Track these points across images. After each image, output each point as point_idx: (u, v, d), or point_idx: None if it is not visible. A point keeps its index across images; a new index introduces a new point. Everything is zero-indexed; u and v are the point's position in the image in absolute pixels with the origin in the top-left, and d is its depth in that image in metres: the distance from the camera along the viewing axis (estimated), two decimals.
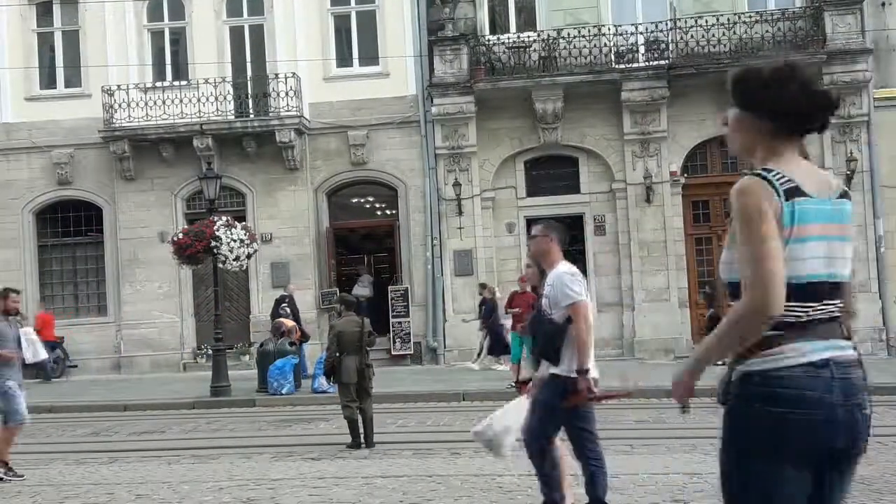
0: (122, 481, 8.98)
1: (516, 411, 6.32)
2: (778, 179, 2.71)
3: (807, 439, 2.67)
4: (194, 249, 16.16)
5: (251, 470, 9.29)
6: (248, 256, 16.99)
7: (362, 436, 10.55)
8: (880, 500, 7.20)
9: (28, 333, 9.87)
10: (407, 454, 10.01)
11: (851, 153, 19.79)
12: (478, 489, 7.90)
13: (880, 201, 19.89)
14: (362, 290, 21.27)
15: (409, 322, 20.68)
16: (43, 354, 10.44)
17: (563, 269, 6.06)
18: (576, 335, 5.87)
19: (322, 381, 15.89)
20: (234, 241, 16.24)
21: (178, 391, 17.31)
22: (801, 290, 2.68)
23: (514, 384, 15.78)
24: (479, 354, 19.12)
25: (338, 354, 10.71)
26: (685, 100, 20.16)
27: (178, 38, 22.11)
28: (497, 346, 18.15)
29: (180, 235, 16.74)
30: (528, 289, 16.86)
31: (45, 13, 22.36)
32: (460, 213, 20.59)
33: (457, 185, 20.51)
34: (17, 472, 9.26)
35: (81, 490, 8.58)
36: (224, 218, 16.65)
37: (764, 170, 2.76)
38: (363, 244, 24.50)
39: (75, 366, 21.03)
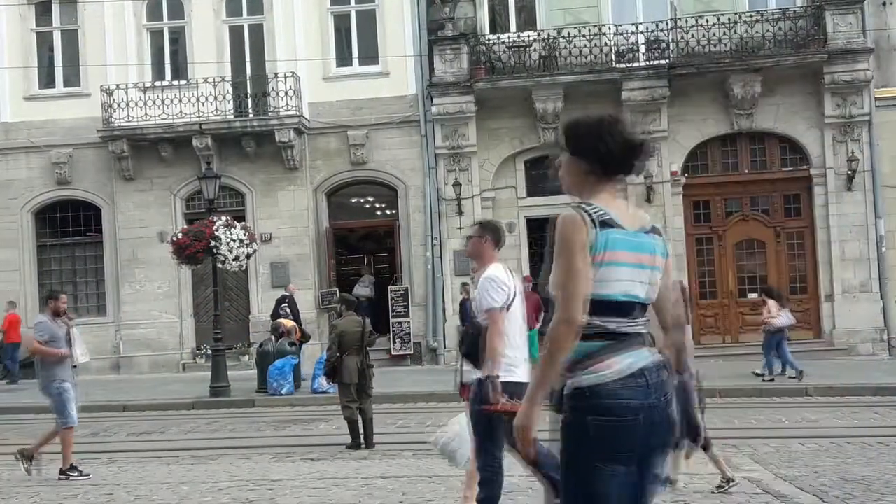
0: (121, 482, 8.96)
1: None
2: (595, 212, 3.21)
3: (632, 440, 3.09)
4: (194, 249, 16.14)
5: (251, 470, 9.27)
6: (248, 256, 16.96)
7: (362, 436, 10.52)
8: (881, 500, 7.17)
9: (76, 334, 9.92)
10: (407, 455, 9.99)
11: (852, 153, 19.77)
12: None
13: (881, 201, 19.87)
14: (363, 289, 21.25)
15: (409, 322, 20.65)
16: (87, 357, 10.55)
17: (489, 273, 5.97)
18: (487, 341, 5.78)
19: (322, 382, 15.86)
20: (234, 241, 16.22)
21: (178, 391, 17.28)
22: (613, 307, 3.16)
23: None
24: None
25: (339, 355, 10.69)
26: (686, 99, 20.14)
27: (178, 38, 22.08)
28: None
29: (180, 235, 16.71)
30: (531, 289, 16.91)
31: (44, 13, 22.33)
32: (460, 213, 20.56)
33: (457, 184, 20.49)
34: (82, 472, 9.21)
35: (81, 490, 8.56)
36: (223, 218, 16.63)
37: (585, 204, 3.28)
38: (363, 244, 24.46)
39: (75, 366, 20.91)
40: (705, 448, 7.13)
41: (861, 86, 19.65)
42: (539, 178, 21.03)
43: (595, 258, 3.14)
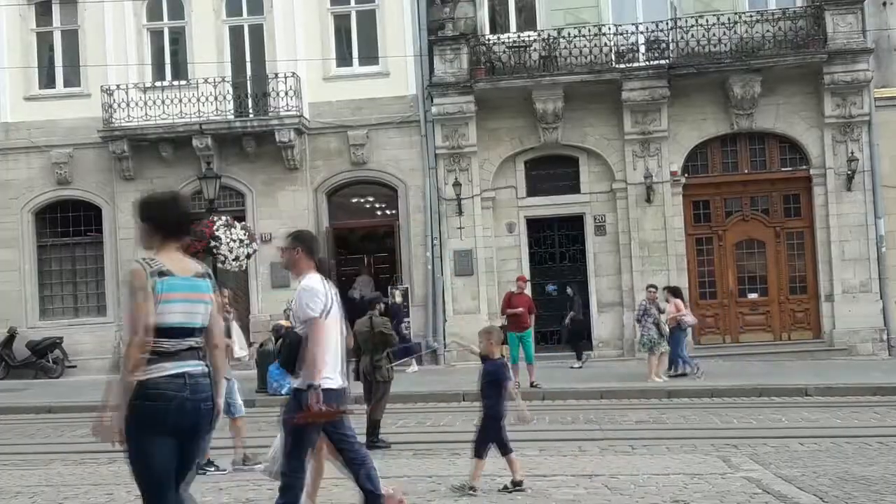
0: (121, 481, 8.92)
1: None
2: (153, 265, 4.42)
3: (169, 421, 4.35)
4: (194, 249, 16.12)
5: (251, 470, 9.25)
6: (248, 256, 16.99)
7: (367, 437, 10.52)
8: (881, 500, 7.18)
9: (235, 328, 10.03)
10: (407, 454, 9.99)
11: (852, 153, 19.78)
12: (477, 489, 7.86)
13: (881, 201, 19.89)
14: (354, 292, 21.06)
15: (409, 322, 20.65)
16: (245, 350, 10.63)
17: (304, 283, 6.04)
18: (308, 350, 5.87)
19: None
20: (234, 241, 16.24)
21: None
22: (169, 332, 4.40)
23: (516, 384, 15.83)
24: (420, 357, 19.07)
25: (378, 353, 10.79)
26: (686, 99, 20.15)
27: (178, 38, 22.09)
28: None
29: None
30: (526, 290, 16.94)
31: (44, 13, 22.33)
32: (460, 213, 20.57)
33: (457, 184, 20.49)
34: (255, 460, 9.17)
35: (81, 490, 8.55)
36: (224, 218, 16.65)
37: (148, 259, 4.46)
38: (363, 244, 24.47)
39: (74, 366, 21.00)
40: (503, 452, 7.73)
41: (861, 86, 19.66)
42: (539, 178, 21.05)
43: (157, 298, 4.35)
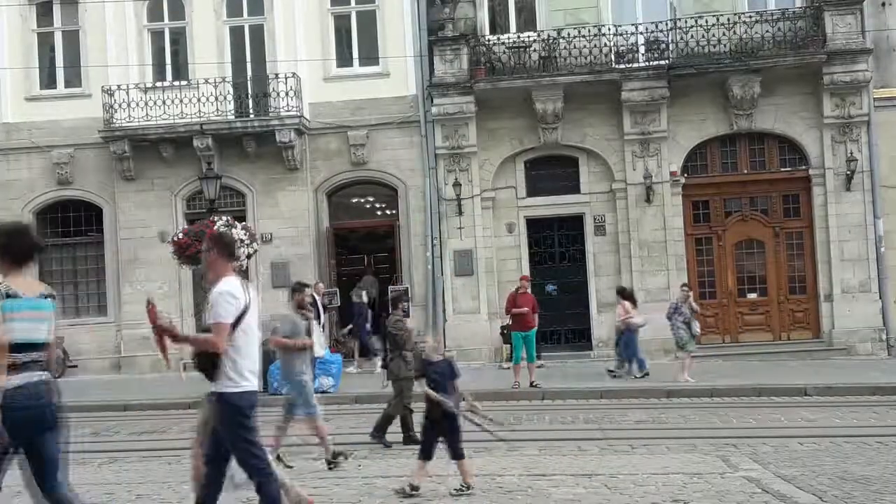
0: (122, 481, 8.98)
1: None
2: (4, 288, 5.16)
3: (24, 425, 5.14)
4: (195, 249, 16.16)
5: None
6: (249, 256, 17.01)
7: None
8: (880, 499, 7.21)
9: (314, 328, 10.10)
10: (407, 454, 10.00)
11: (851, 153, 19.81)
12: (477, 489, 7.91)
13: (880, 201, 19.91)
14: (360, 292, 21.05)
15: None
16: (324, 350, 10.68)
17: (220, 286, 5.98)
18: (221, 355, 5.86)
19: (322, 382, 15.90)
20: (234, 240, 16.23)
21: (178, 391, 17.26)
22: (17, 347, 5.11)
23: (516, 384, 15.85)
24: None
25: (391, 353, 10.96)
26: (685, 100, 20.18)
27: (178, 38, 22.11)
28: (365, 349, 18.09)
29: (180, 235, 16.75)
30: (529, 289, 16.95)
31: (45, 13, 22.34)
32: (460, 213, 20.60)
33: (457, 185, 20.52)
34: (346, 455, 9.32)
35: (81, 490, 8.47)
36: (224, 218, 16.68)
37: None
38: (363, 244, 24.49)
39: (75, 366, 21.01)
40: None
41: (860, 86, 19.69)
42: (539, 178, 21.08)
43: (5, 317, 5.08)
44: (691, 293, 17.10)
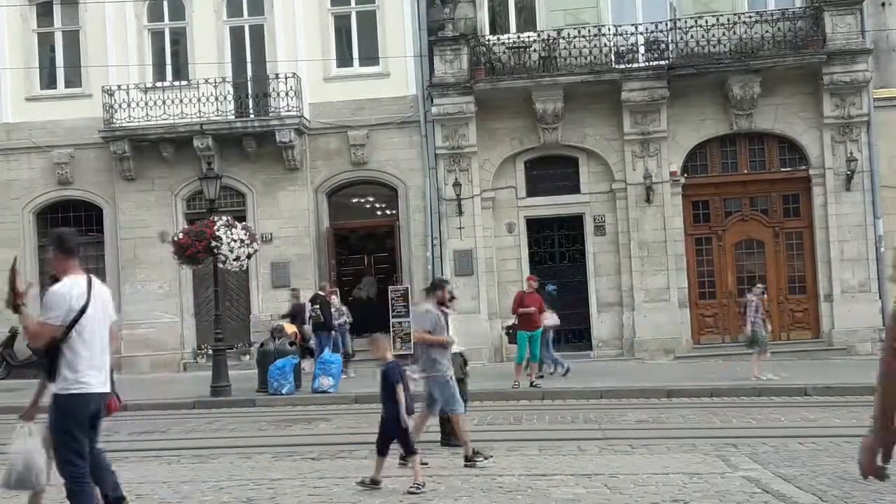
0: (122, 481, 8.95)
1: (23, 439, 6.00)
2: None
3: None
4: (195, 249, 16.17)
5: (251, 470, 9.30)
6: (249, 256, 16.99)
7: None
8: (880, 499, 7.21)
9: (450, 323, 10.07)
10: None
11: (851, 153, 19.82)
12: (478, 489, 7.91)
13: (880, 201, 19.91)
14: (360, 293, 21.06)
15: (409, 322, 20.64)
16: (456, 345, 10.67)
17: (55, 286, 5.88)
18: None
19: (322, 382, 15.92)
20: (235, 241, 16.24)
21: (179, 391, 17.32)
22: None
23: (516, 384, 15.86)
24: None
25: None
26: (685, 100, 20.18)
27: (179, 38, 22.12)
28: (316, 350, 17.57)
29: (181, 235, 16.74)
30: (535, 289, 16.92)
31: (45, 13, 22.36)
32: (460, 213, 20.60)
33: (457, 185, 20.52)
34: (485, 455, 9.15)
35: None
36: (224, 218, 16.66)
37: None
38: (363, 244, 24.49)
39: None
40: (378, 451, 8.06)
41: (860, 86, 19.69)
42: (539, 178, 21.08)
43: None
44: (765, 294, 17.25)
